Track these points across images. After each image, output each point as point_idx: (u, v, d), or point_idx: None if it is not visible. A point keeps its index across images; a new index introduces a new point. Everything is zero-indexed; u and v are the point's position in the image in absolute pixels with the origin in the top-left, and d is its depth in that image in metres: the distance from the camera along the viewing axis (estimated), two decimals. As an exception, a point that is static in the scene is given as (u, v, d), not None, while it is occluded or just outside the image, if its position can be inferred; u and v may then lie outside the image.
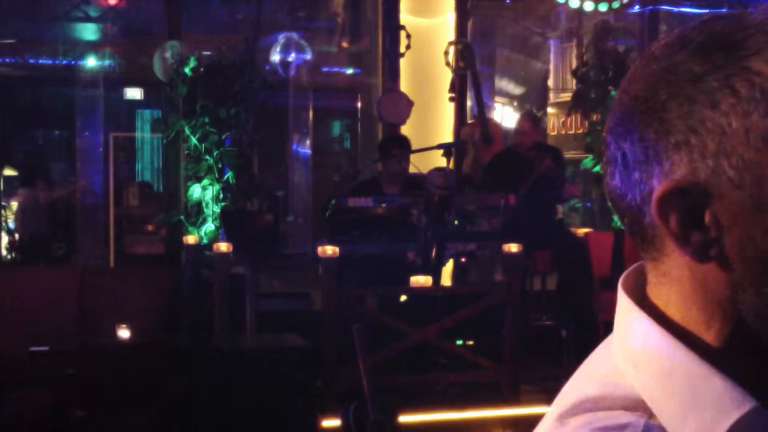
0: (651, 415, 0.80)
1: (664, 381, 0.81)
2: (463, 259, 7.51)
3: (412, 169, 7.24)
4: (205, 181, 7.69)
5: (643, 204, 0.81)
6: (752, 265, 0.78)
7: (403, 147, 7.20)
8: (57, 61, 11.34)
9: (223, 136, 7.69)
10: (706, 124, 0.78)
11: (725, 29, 0.80)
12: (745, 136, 0.77)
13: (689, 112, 0.79)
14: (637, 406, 0.81)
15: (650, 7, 9.24)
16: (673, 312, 0.83)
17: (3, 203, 11.81)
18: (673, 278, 0.83)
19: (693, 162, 0.78)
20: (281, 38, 9.91)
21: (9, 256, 11.53)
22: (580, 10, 9.26)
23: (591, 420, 0.81)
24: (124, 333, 6.16)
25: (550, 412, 0.87)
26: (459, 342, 6.51)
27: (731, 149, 0.77)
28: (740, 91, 0.77)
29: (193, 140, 7.67)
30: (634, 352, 0.83)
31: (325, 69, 11.11)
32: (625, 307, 0.86)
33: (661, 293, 0.84)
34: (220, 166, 7.70)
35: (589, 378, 0.86)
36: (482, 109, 8.70)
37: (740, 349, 0.81)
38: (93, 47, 10.96)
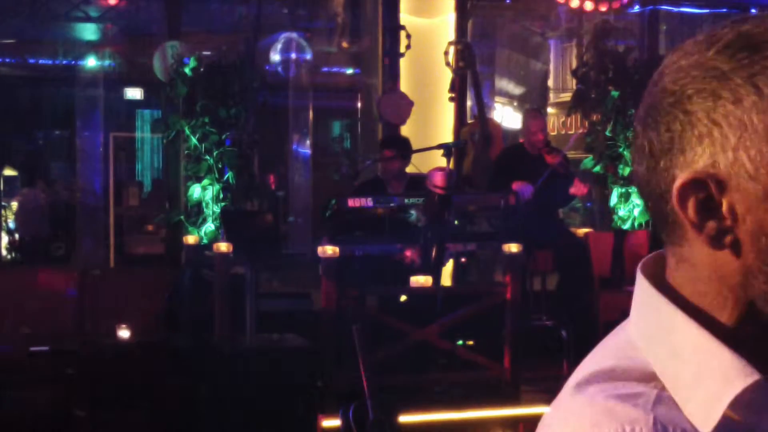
0: (663, 387, 0.86)
1: (675, 355, 0.86)
2: (463, 259, 7.50)
3: (412, 169, 7.23)
4: (205, 181, 7.68)
5: (666, 191, 0.86)
6: (764, 254, 0.84)
7: (398, 147, 7.17)
8: (57, 61, 11.35)
9: (223, 136, 7.69)
10: (728, 119, 0.83)
11: (751, 30, 0.85)
12: (765, 132, 0.82)
13: (713, 107, 0.84)
14: (650, 378, 0.86)
15: (650, 7, 9.24)
16: (689, 294, 0.88)
17: (3, 203, 11.82)
18: (690, 263, 0.88)
19: (714, 154, 0.83)
20: (281, 38, 9.92)
21: (9, 256, 11.54)
22: (580, 10, 9.26)
23: (606, 388, 0.86)
24: (124, 333, 6.16)
25: (567, 382, 0.92)
26: (459, 342, 6.51)
27: (751, 143, 0.82)
28: (763, 89, 0.82)
29: (193, 140, 7.67)
30: (648, 329, 0.89)
31: (325, 69, 11.12)
32: (641, 288, 0.92)
33: (678, 276, 0.89)
34: (220, 166, 7.69)
35: (605, 352, 0.92)
36: (482, 109, 8.70)
37: (750, 330, 0.86)
38: (93, 47, 10.96)
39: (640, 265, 0.93)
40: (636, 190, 0.94)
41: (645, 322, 0.89)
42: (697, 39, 0.87)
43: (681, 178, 0.84)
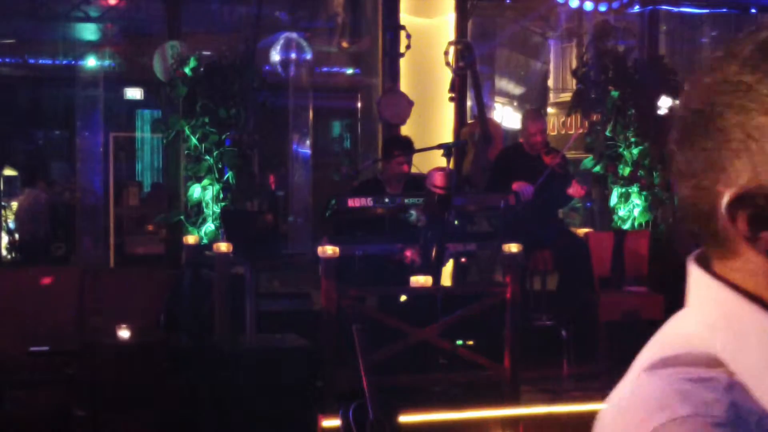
0: (731, 373, 0.87)
1: (741, 341, 0.87)
2: (463, 259, 7.50)
3: (412, 169, 7.23)
4: (205, 181, 7.68)
5: (713, 209, 0.87)
6: None
7: (403, 148, 7.19)
8: (57, 61, 11.35)
9: (223, 136, 7.68)
10: (762, 130, 0.84)
11: None
12: None
13: (745, 121, 0.85)
14: (718, 364, 0.87)
15: (650, 7, 9.23)
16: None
17: (3, 203, 11.82)
18: (745, 272, 0.89)
19: (755, 167, 0.85)
20: (281, 38, 9.91)
21: (9, 256, 11.54)
22: (580, 10, 9.26)
23: (679, 372, 0.87)
24: (124, 333, 6.16)
25: (632, 370, 0.93)
26: (459, 342, 6.51)
27: None
28: None
29: (193, 140, 7.67)
30: (711, 317, 0.90)
31: (325, 69, 11.12)
32: (698, 278, 0.93)
33: (729, 276, 0.90)
34: (220, 166, 7.69)
35: (669, 340, 0.92)
36: (482, 109, 8.70)
37: None
38: (93, 47, 10.97)
39: (692, 258, 0.94)
40: (682, 214, 0.94)
41: (706, 312, 0.90)
42: (717, 54, 0.88)
43: (727, 195, 0.86)
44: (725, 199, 0.85)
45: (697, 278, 0.93)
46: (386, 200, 6.60)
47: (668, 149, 0.92)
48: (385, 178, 7.23)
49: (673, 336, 0.93)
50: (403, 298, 6.82)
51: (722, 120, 0.85)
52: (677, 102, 0.92)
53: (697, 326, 0.91)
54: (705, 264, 0.93)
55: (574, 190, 7.48)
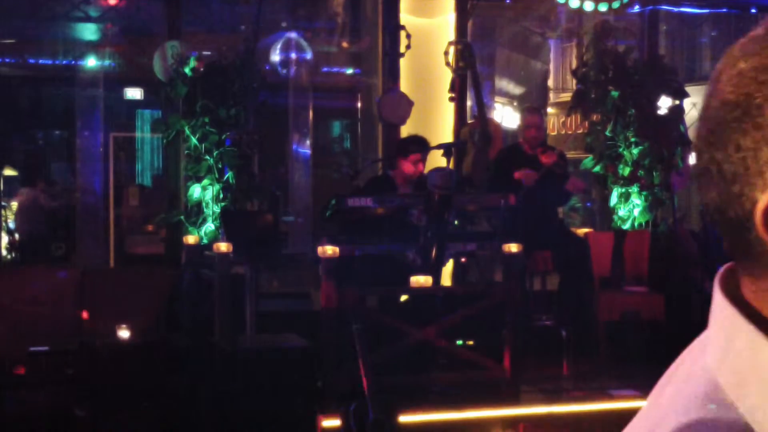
0: None
1: None
2: (463, 259, 7.50)
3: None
4: (205, 181, 7.68)
5: (746, 219, 0.73)
6: None
7: (420, 146, 7.18)
8: (57, 61, 11.36)
9: (223, 136, 7.68)
10: None
11: None
12: None
13: None
14: None
15: (650, 7, 9.23)
16: None
17: (3, 203, 11.81)
18: None
19: None
20: (281, 38, 9.92)
21: (9, 256, 11.53)
22: (580, 10, 9.26)
23: None
24: (124, 333, 6.16)
25: (657, 408, 0.78)
26: (459, 342, 6.51)
27: None
28: None
29: (193, 140, 7.67)
30: (740, 369, 0.74)
31: (325, 69, 11.12)
32: (725, 314, 0.77)
33: (763, 306, 0.76)
34: (220, 166, 7.69)
35: (686, 397, 0.76)
36: (482, 109, 8.69)
37: None
38: (93, 47, 10.98)
39: (718, 280, 0.79)
40: (713, 219, 0.78)
41: (733, 360, 0.75)
42: (755, 35, 0.74)
43: (763, 200, 0.72)
44: (760, 207, 0.72)
45: (722, 310, 0.77)
46: (386, 200, 6.59)
47: (694, 147, 0.78)
48: (397, 177, 7.21)
49: (691, 389, 0.77)
50: (403, 298, 6.82)
51: (761, 115, 0.71)
52: (705, 91, 0.76)
53: (721, 376, 0.75)
54: (733, 285, 0.78)
55: (572, 184, 7.57)
